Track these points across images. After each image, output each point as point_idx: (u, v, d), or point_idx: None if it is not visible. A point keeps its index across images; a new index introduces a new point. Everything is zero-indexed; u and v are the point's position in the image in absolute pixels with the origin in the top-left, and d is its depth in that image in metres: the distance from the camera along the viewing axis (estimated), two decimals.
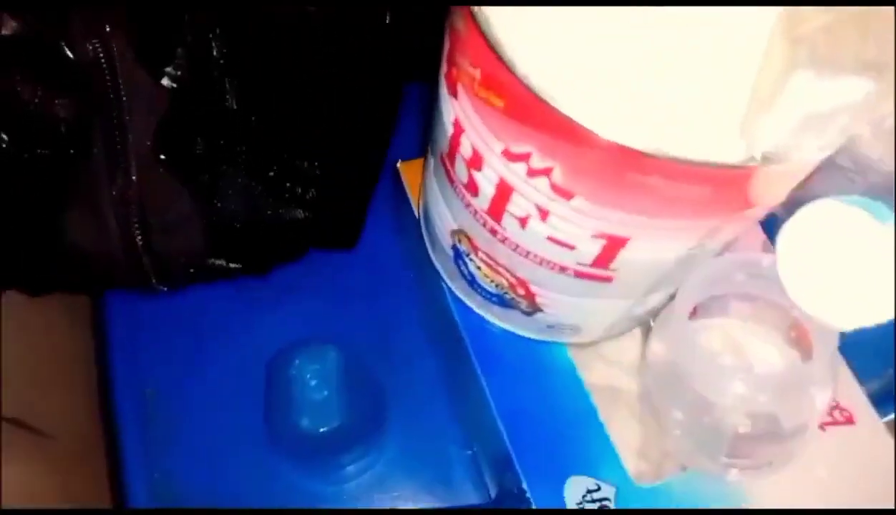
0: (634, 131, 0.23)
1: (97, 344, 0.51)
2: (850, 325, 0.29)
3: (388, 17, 0.43)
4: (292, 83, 0.38)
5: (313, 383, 0.41)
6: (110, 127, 0.30)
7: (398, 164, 0.46)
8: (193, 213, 0.34)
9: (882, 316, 0.28)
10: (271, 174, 0.40)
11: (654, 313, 0.38)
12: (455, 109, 0.30)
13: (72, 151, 0.31)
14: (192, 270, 0.38)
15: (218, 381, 0.47)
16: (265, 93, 0.36)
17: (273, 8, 0.35)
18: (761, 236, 0.43)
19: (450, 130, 0.31)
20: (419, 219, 0.44)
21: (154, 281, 0.35)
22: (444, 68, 0.31)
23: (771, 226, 0.37)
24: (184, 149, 0.32)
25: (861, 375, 0.40)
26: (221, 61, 0.33)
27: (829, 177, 0.35)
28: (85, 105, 0.31)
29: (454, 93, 0.30)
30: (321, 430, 0.40)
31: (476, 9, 0.26)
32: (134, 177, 0.31)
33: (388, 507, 0.44)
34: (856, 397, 0.39)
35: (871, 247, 0.27)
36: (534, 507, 0.36)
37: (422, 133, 0.47)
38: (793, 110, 0.22)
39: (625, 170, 0.25)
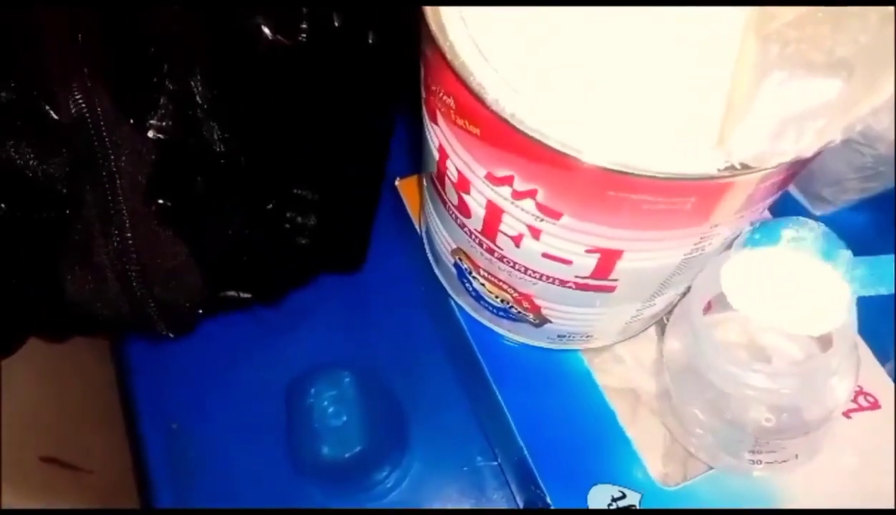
0: (610, 151, 0.23)
1: (121, 382, 0.51)
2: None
3: (371, 38, 0.43)
4: (280, 115, 0.38)
5: (331, 410, 0.41)
6: (100, 184, 0.31)
7: (396, 182, 0.46)
8: (193, 259, 0.34)
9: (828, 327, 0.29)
10: (270, 206, 0.40)
11: (668, 311, 0.38)
12: (438, 135, 0.30)
13: (67, 211, 0.31)
14: (200, 311, 0.38)
15: (241, 411, 0.47)
16: (254, 130, 0.36)
17: (251, 45, 0.35)
18: None
19: (436, 155, 0.31)
20: (421, 236, 0.43)
21: (163, 329, 0.35)
22: (423, 94, 0.31)
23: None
24: (176, 198, 0.32)
25: (884, 357, 0.39)
26: (205, 105, 0.33)
27: (838, 149, 0.34)
28: (74, 164, 0.31)
29: (434, 120, 0.30)
30: (344, 456, 0.40)
31: (441, 36, 0.25)
32: (129, 232, 0.31)
33: None
34: (880, 381, 0.38)
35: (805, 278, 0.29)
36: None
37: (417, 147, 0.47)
38: (768, 115, 0.22)
39: (606, 188, 0.24)
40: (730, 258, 0.31)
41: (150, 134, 0.31)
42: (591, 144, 0.23)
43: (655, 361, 0.41)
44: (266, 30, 0.35)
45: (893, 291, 0.26)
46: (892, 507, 0.35)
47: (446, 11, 0.26)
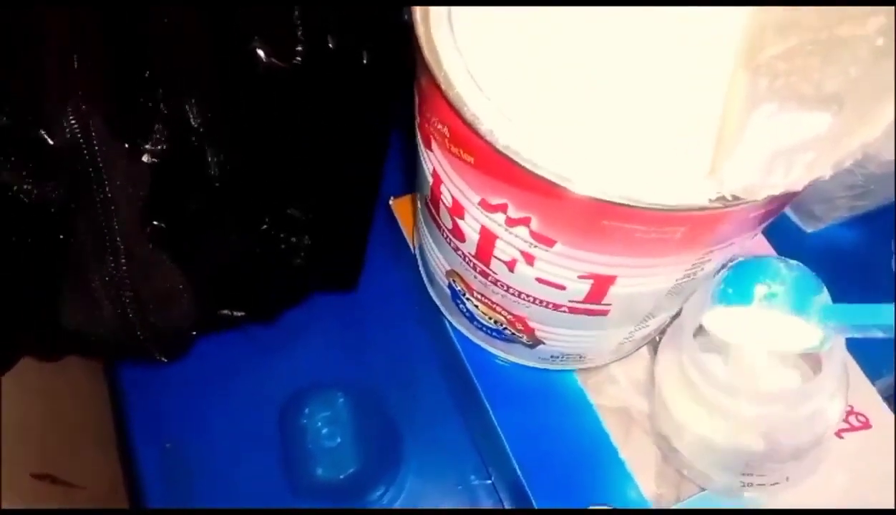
0: (603, 182, 0.23)
1: (114, 401, 0.51)
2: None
3: (365, 58, 0.43)
4: (276, 137, 0.38)
5: (325, 431, 0.41)
6: (94, 209, 0.31)
7: (390, 201, 0.46)
8: (187, 283, 0.34)
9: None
10: (264, 227, 0.41)
11: (661, 330, 0.38)
12: (432, 161, 0.30)
13: (61, 236, 0.31)
14: (194, 333, 0.38)
15: (235, 431, 0.47)
16: (249, 152, 0.37)
17: (247, 68, 0.35)
18: (768, 248, 0.42)
19: (430, 179, 0.31)
20: (415, 256, 0.44)
21: (157, 354, 0.35)
22: (417, 120, 0.31)
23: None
24: (171, 222, 0.33)
25: (874, 375, 0.40)
26: (200, 128, 0.33)
27: None
28: (69, 189, 0.31)
29: (429, 147, 0.30)
30: (339, 478, 0.40)
31: (436, 66, 0.26)
32: (123, 258, 0.31)
33: None
34: (871, 400, 0.38)
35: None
36: None
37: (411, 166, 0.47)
38: (758, 147, 0.22)
39: (599, 218, 0.24)
40: (706, 312, 0.31)
41: (145, 158, 0.31)
42: (583, 175, 0.23)
43: (648, 380, 0.41)
44: (261, 53, 0.35)
45: (893, 335, 0.27)
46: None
47: (441, 40, 0.26)
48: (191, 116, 0.33)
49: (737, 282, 0.30)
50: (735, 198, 0.23)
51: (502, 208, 0.27)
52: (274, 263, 0.43)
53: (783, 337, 0.30)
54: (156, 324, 0.34)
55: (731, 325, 0.31)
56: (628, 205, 0.23)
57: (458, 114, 0.25)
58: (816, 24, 0.24)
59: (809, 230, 0.52)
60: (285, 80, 0.37)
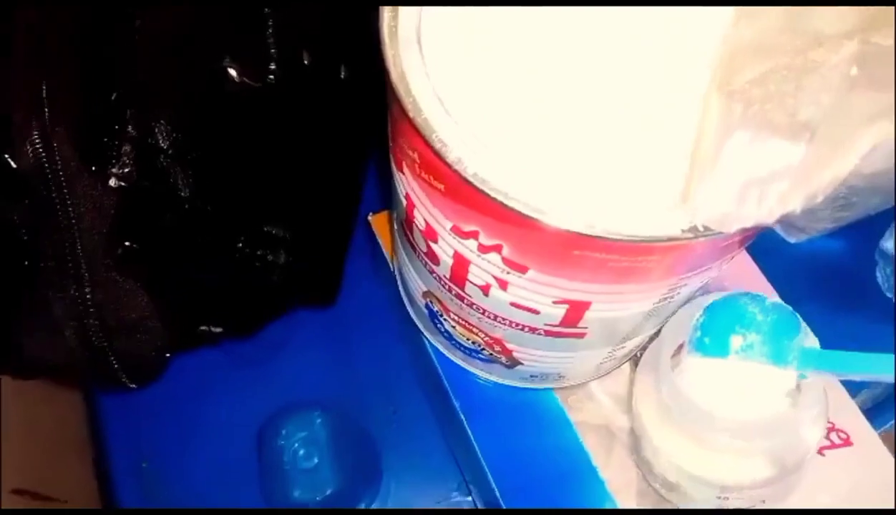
0: (573, 213, 0.23)
1: (90, 418, 0.51)
2: None
3: (343, 72, 0.42)
4: (250, 155, 0.38)
5: (302, 452, 0.40)
6: (58, 235, 0.30)
7: (369, 217, 0.46)
8: (156, 309, 0.33)
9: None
10: (240, 245, 0.40)
11: (642, 348, 0.38)
12: (405, 185, 0.30)
13: (26, 262, 0.31)
14: (167, 355, 0.37)
15: (212, 451, 0.47)
16: (222, 172, 0.36)
17: (218, 88, 0.34)
18: (749, 262, 0.42)
19: (404, 202, 0.31)
20: (394, 273, 0.43)
21: (126, 380, 0.35)
22: (390, 143, 0.30)
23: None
24: (139, 248, 0.32)
25: (854, 390, 0.39)
26: (170, 150, 0.33)
27: None
28: (31, 213, 0.30)
29: (401, 170, 0.29)
30: (316, 499, 0.40)
31: (403, 90, 0.25)
32: (87, 286, 0.31)
33: None
34: (852, 417, 0.38)
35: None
36: None
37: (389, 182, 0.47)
38: (731, 177, 0.22)
39: (570, 248, 0.24)
40: (681, 364, 0.31)
41: (112, 182, 0.31)
42: (553, 206, 0.23)
43: (630, 396, 0.40)
44: (233, 72, 0.34)
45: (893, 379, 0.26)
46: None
47: (409, 64, 0.26)
48: (160, 138, 0.32)
49: (712, 330, 0.30)
50: (706, 228, 0.22)
51: (474, 235, 0.26)
52: (251, 280, 0.43)
53: (760, 386, 0.29)
54: (123, 352, 0.33)
55: (706, 376, 0.30)
56: (598, 237, 0.23)
57: (426, 141, 0.24)
58: (791, 48, 0.24)
59: (793, 240, 0.51)
60: (259, 99, 0.36)
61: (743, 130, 0.22)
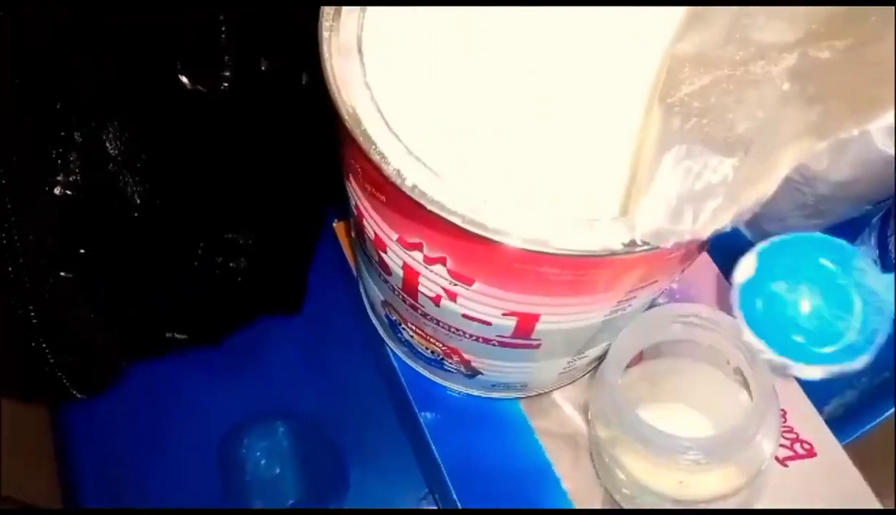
0: (511, 228, 0.22)
1: (55, 427, 0.50)
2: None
3: (304, 79, 0.42)
4: (205, 161, 0.37)
5: (263, 462, 0.40)
6: (1, 250, 0.29)
7: (334, 224, 0.45)
8: (106, 324, 0.33)
9: None
10: (199, 252, 0.39)
11: (601, 358, 0.37)
12: (353, 194, 0.29)
13: None
14: (124, 363, 0.37)
15: (176, 459, 0.46)
16: (175, 179, 0.35)
17: (169, 94, 0.34)
18: (714, 270, 0.42)
19: (354, 211, 0.30)
20: (357, 281, 0.43)
21: (77, 393, 0.34)
22: (339, 152, 0.30)
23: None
24: (87, 260, 0.31)
25: (820, 402, 0.39)
26: (119, 157, 0.32)
27: (780, 187, 0.34)
28: None
29: (349, 179, 0.29)
30: (276, 509, 0.39)
31: (342, 101, 0.25)
32: (31, 304, 0.30)
33: None
34: (817, 428, 0.38)
35: None
36: None
37: None
38: (669, 191, 0.21)
39: (511, 262, 0.23)
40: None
41: (57, 190, 0.30)
42: (491, 220, 0.22)
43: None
44: (185, 79, 0.34)
45: None
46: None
47: (349, 73, 0.25)
48: (108, 146, 0.32)
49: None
50: (645, 243, 0.22)
51: (418, 247, 0.26)
52: (214, 288, 0.42)
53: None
54: (72, 367, 0.32)
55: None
56: (535, 251, 0.22)
57: (365, 154, 0.24)
58: (733, 59, 0.23)
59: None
60: (212, 105, 0.36)
61: (681, 144, 0.22)
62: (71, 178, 0.30)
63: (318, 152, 0.45)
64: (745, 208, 0.20)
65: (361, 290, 0.42)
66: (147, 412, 0.48)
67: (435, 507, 0.45)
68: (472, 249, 0.24)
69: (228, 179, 0.39)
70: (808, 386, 0.39)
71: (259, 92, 0.38)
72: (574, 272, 0.24)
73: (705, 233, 0.20)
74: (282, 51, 0.39)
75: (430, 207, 0.23)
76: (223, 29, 0.35)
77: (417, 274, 0.28)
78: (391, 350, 0.41)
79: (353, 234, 0.37)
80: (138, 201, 0.33)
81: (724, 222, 0.20)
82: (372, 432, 0.46)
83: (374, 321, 0.41)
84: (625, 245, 0.22)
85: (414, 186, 0.23)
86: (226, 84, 0.35)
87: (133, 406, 0.48)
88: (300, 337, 0.49)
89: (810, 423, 0.38)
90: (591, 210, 0.23)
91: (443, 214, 0.23)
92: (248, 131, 0.39)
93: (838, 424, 0.39)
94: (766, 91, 0.21)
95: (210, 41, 0.34)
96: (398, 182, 0.23)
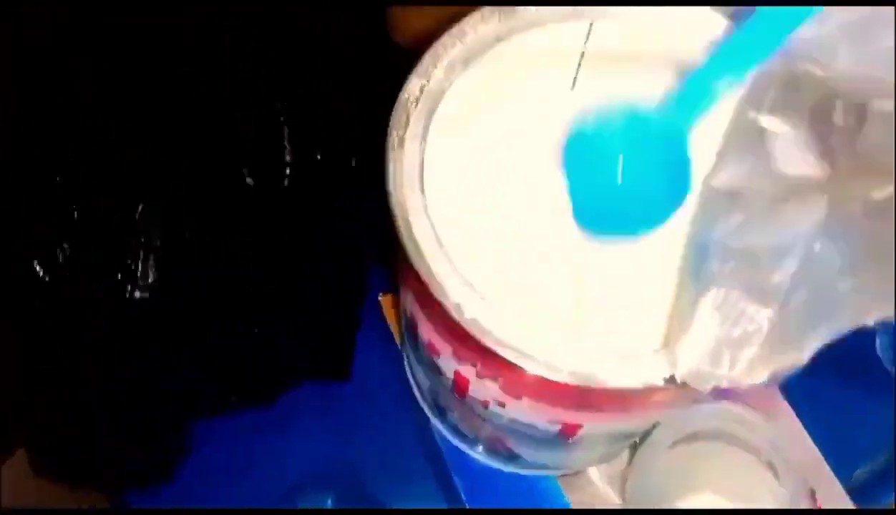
0: (560, 363, 0.24)
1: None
2: None
3: (353, 161, 0.44)
4: (260, 250, 0.39)
5: None
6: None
7: (379, 297, 0.47)
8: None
9: None
10: (256, 330, 0.42)
11: (640, 437, 0.39)
12: (409, 305, 0.31)
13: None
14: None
15: None
16: (238, 270, 0.38)
17: (235, 194, 0.36)
18: None
19: (410, 316, 0.32)
20: (402, 354, 0.45)
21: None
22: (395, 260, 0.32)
23: None
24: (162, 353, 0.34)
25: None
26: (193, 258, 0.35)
27: None
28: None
29: (404, 289, 0.31)
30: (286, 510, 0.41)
31: (406, 235, 0.27)
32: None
33: None
34: (839, 499, 0.39)
35: None
36: None
37: None
38: (707, 334, 0.23)
39: (558, 387, 0.25)
40: None
41: (137, 294, 0.33)
42: (541, 354, 0.24)
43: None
44: (250, 181, 0.36)
45: None
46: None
47: (413, 206, 0.27)
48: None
49: None
50: (683, 382, 0.23)
51: (472, 363, 0.28)
52: (267, 357, 0.44)
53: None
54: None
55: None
56: (579, 385, 0.24)
57: (427, 285, 0.26)
58: (764, 194, 0.25)
59: None
60: (272, 199, 0.38)
61: (719, 288, 0.23)
62: (149, 281, 0.33)
63: (366, 226, 0.47)
64: (780, 369, 0.21)
65: (406, 366, 0.44)
66: (199, 476, 0.49)
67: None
68: (522, 375, 0.26)
69: (282, 265, 0.41)
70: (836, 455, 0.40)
71: (314, 180, 0.40)
72: (618, 399, 0.25)
73: (742, 382, 0.22)
74: (335, 138, 0.41)
75: (486, 342, 0.25)
76: (285, 131, 0.37)
77: (468, 380, 0.30)
78: (433, 424, 0.43)
79: (403, 320, 0.39)
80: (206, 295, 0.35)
81: (760, 378, 0.22)
82: (416, 499, 0.48)
83: (418, 396, 0.43)
84: (666, 380, 0.24)
85: (473, 320, 0.25)
86: (286, 181, 0.37)
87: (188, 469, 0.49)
88: (341, 404, 0.50)
89: (833, 495, 0.39)
90: (633, 346, 0.25)
91: (498, 349, 0.25)
92: (303, 216, 0.41)
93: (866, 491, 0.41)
94: (796, 244, 0.22)
95: (274, 139, 0.36)
96: (457, 316, 0.25)
